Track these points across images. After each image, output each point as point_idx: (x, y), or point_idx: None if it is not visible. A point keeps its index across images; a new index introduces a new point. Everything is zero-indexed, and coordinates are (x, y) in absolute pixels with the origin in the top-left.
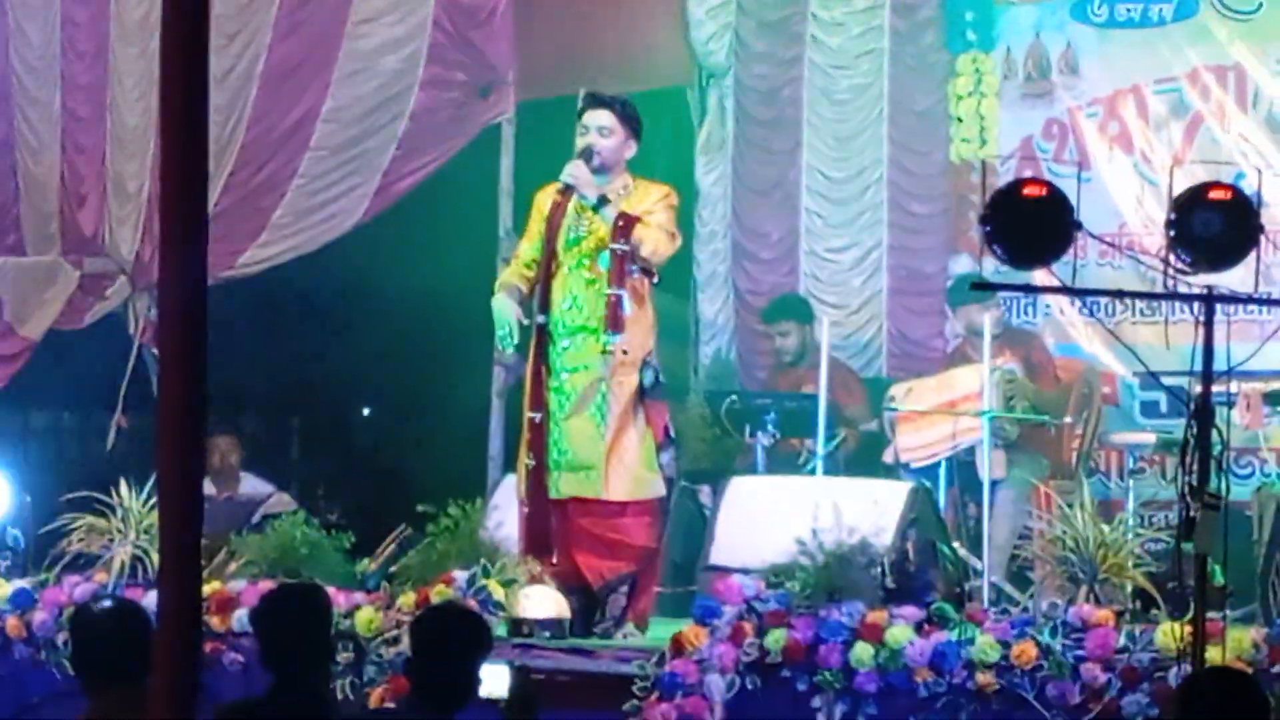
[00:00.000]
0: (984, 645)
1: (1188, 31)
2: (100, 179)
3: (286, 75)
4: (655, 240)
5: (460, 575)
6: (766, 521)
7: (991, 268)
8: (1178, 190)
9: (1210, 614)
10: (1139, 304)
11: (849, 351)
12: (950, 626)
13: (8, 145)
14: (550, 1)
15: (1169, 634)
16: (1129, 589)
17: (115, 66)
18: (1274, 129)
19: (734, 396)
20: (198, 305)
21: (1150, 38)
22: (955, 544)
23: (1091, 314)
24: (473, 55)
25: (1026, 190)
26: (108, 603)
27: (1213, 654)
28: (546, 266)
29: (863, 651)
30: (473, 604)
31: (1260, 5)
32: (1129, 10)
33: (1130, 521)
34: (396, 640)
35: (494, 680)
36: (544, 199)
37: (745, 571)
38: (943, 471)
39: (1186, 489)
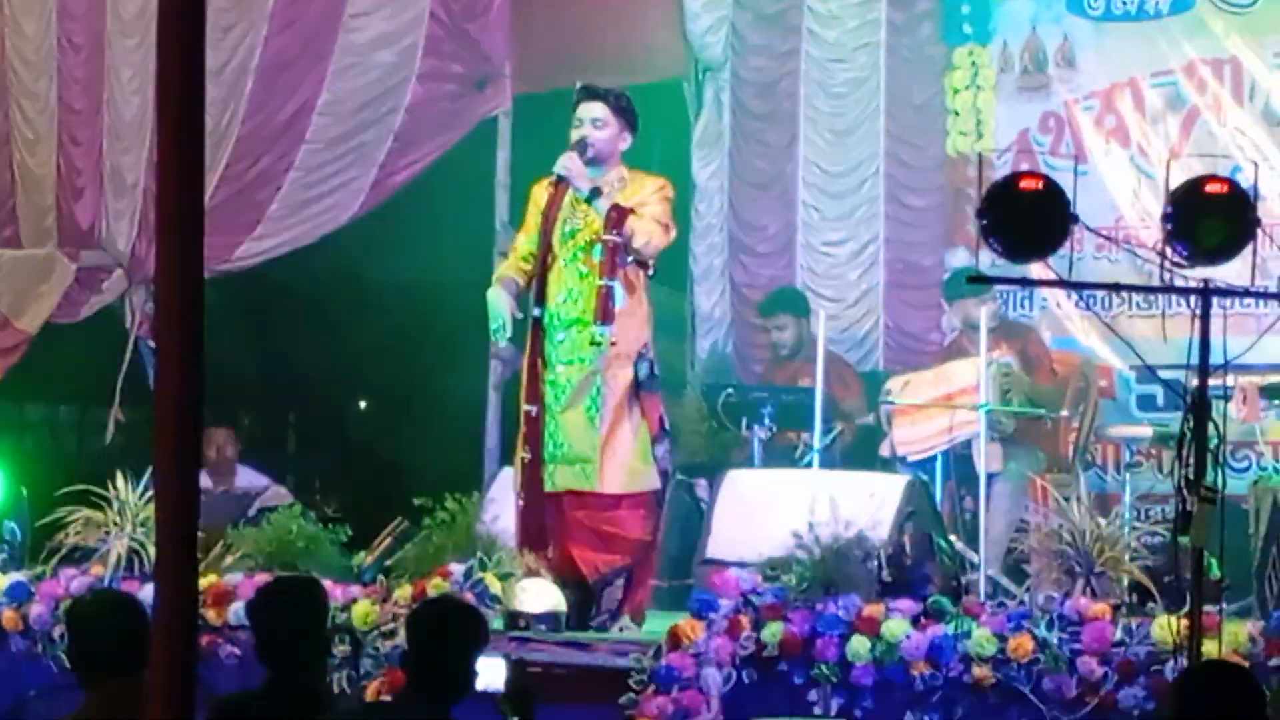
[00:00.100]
0: (980, 638)
1: (1184, 24)
2: (97, 172)
3: (282, 68)
4: (648, 232)
5: (457, 568)
6: (763, 515)
7: (988, 261)
8: (1174, 183)
9: (1206, 607)
10: (1136, 297)
11: (845, 345)
12: (947, 620)
13: (4, 139)
14: None
15: (1165, 627)
16: (1125, 582)
17: (112, 59)
18: (1270, 122)
19: (730, 390)
20: (194, 298)
21: (1147, 31)
22: (952, 537)
23: (1088, 307)
24: (469, 48)
25: (1023, 184)
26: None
27: (1209, 647)
28: (543, 260)
29: (859, 645)
30: (469, 597)
31: None
32: (1125, 3)
33: (1127, 515)
34: (393, 633)
35: (490, 673)
36: (540, 192)
37: (742, 565)
38: (939, 465)
39: (1183, 482)
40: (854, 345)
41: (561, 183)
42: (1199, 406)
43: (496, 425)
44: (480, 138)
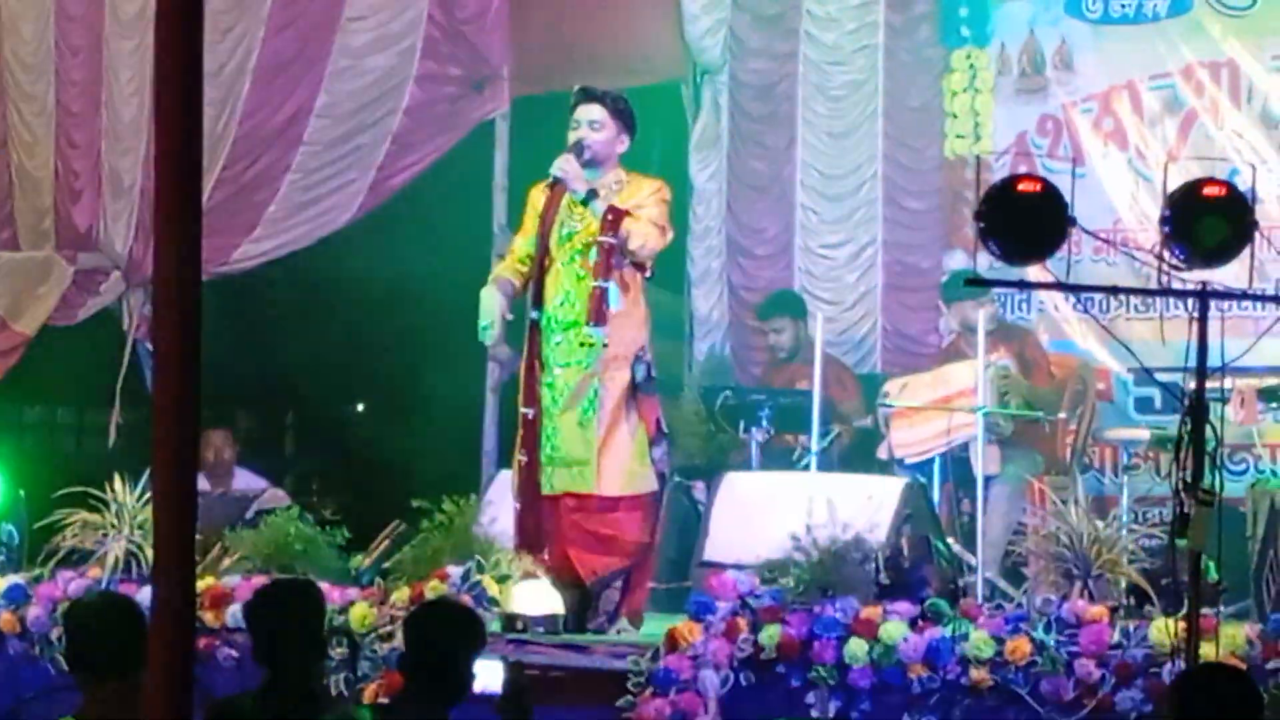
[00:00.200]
0: (978, 641)
1: (1182, 27)
2: (95, 174)
3: (279, 70)
4: (644, 234)
5: (454, 571)
6: (761, 517)
7: (986, 263)
8: (1172, 186)
9: (1204, 610)
10: (1133, 300)
11: (843, 347)
12: (944, 622)
13: (1, 141)
14: None
15: (1163, 630)
16: (1123, 585)
17: (110, 61)
18: (1268, 125)
19: (728, 392)
20: (192, 300)
21: (1145, 33)
22: (949, 540)
23: (1086, 310)
24: (467, 50)
25: (1021, 186)
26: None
27: (1206, 650)
28: (540, 262)
29: (857, 647)
30: (467, 599)
31: (1254, 1)
32: (1123, 6)
33: (1124, 517)
34: (391, 636)
35: (488, 676)
36: (537, 195)
37: (740, 567)
38: (937, 467)
39: (1181, 485)
40: (852, 348)
41: (559, 185)
42: (1197, 409)
43: (494, 428)
44: (478, 140)
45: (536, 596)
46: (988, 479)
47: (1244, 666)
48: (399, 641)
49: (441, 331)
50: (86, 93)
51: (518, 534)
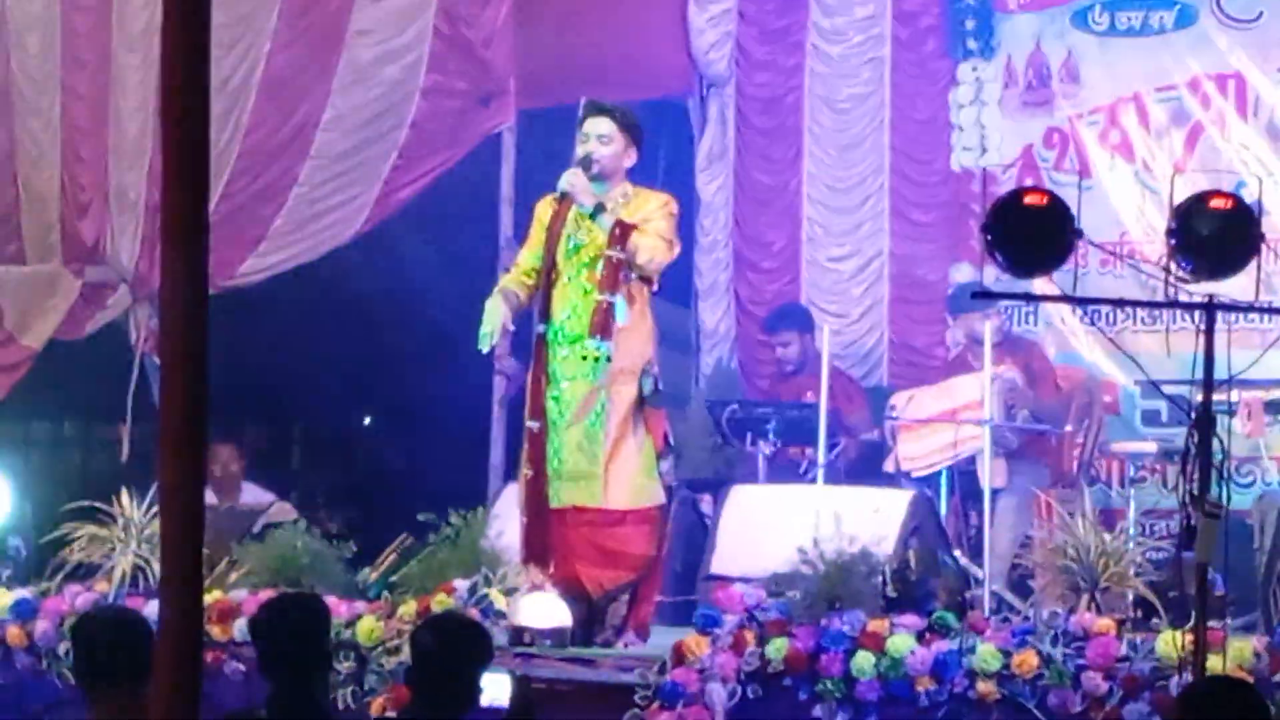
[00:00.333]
0: (985, 654)
1: (1188, 40)
2: (101, 188)
3: (285, 84)
4: (652, 248)
5: (461, 584)
6: (768, 530)
7: (993, 276)
8: (1179, 198)
9: (1211, 623)
10: (1140, 312)
11: (850, 360)
12: (951, 635)
13: (8, 155)
14: (551, 10)
15: (1170, 643)
16: (1130, 597)
17: (116, 76)
18: (1274, 137)
19: (735, 405)
20: (199, 314)
21: (1151, 46)
22: (956, 553)
23: (1092, 322)
24: (473, 64)
25: (1028, 199)
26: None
27: (1214, 663)
28: (547, 276)
29: (864, 660)
30: (474, 613)
31: (1260, 14)
32: (1129, 19)
33: (1131, 530)
34: (398, 649)
35: (495, 689)
36: (544, 208)
37: (746, 580)
38: (944, 480)
39: (1188, 498)
40: (859, 360)
41: (566, 198)
42: (1203, 422)
43: (501, 441)
44: (485, 153)
45: (543, 610)
46: (995, 492)
47: (1251, 679)
48: (406, 655)
49: (448, 345)
50: (93, 107)
51: (524, 547)
